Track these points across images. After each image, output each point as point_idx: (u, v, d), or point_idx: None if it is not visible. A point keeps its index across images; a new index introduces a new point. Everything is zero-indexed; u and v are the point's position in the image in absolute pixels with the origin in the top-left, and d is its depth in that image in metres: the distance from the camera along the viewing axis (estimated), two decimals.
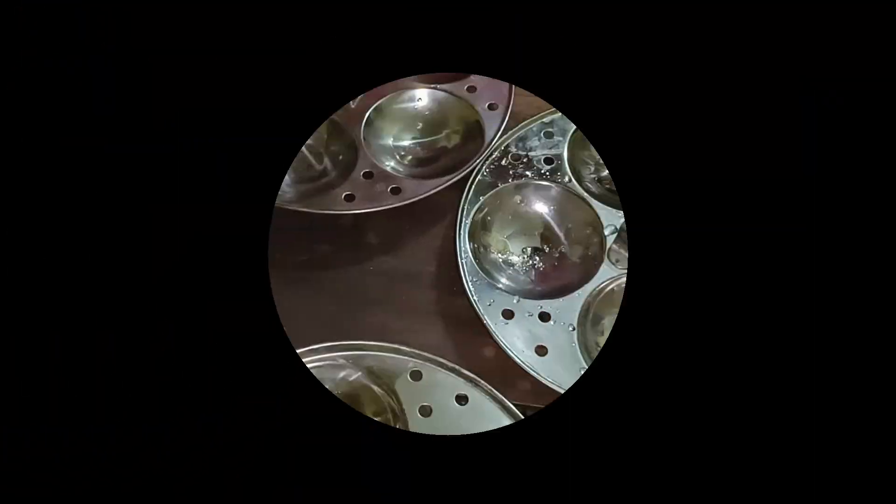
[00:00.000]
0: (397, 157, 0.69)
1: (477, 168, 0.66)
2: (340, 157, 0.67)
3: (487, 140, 0.68)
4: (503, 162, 0.67)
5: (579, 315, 0.60)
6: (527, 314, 0.60)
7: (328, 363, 0.58)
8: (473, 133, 0.69)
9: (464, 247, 0.63)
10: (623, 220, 0.63)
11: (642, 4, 0.44)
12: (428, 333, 0.62)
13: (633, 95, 0.44)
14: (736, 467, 0.40)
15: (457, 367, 0.58)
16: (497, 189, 0.66)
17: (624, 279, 0.61)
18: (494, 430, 0.53)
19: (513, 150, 0.68)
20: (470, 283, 0.61)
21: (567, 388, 0.55)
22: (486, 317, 0.60)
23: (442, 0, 0.46)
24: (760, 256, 0.41)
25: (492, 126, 0.69)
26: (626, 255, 0.62)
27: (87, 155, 0.42)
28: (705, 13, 0.43)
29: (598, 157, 0.68)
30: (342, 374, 0.58)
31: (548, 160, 0.67)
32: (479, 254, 0.63)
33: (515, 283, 0.62)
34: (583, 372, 0.57)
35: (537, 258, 0.64)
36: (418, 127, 0.70)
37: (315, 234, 0.66)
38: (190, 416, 0.41)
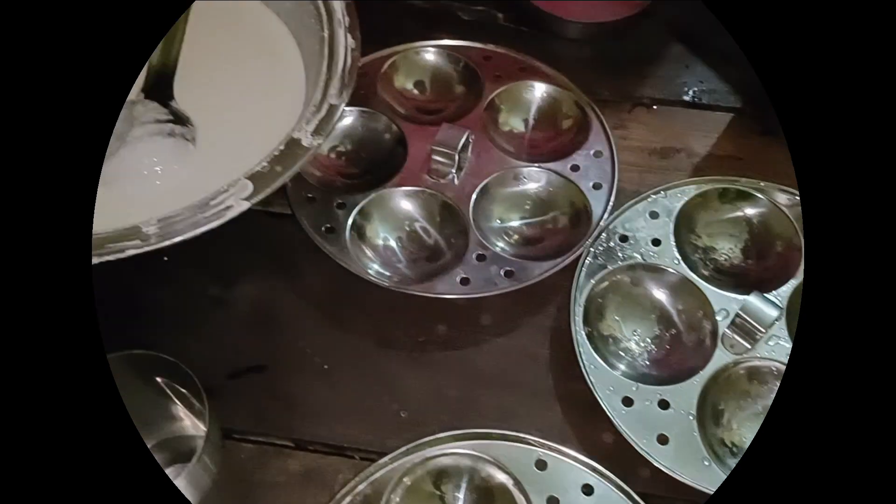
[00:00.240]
0: (505, 237, 0.70)
1: (585, 250, 0.67)
2: (453, 241, 0.69)
3: (594, 221, 0.69)
4: (611, 243, 0.68)
5: (697, 402, 0.61)
6: (646, 401, 0.61)
7: (455, 452, 0.60)
8: (580, 213, 0.70)
9: (579, 331, 0.64)
10: (736, 304, 0.64)
11: None
12: (548, 419, 0.64)
13: None
14: None
15: (580, 455, 0.60)
16: (607, 271, 0.67)
17: (741, 366, 0.62)
18: None
19: (620, 230, 0.69)
20: (587, 368, 0.63)
21: (688, 480, 0.57)
22: (605, 403, 0.61)
23: None
24: None
25: (598, 206, 0.70)
26: (741, 340, 0.63)
27: None
28: None
29: (705, 236, 0.70)
30: (471, 464, 0.59)
31: (655, 241, 0.69)
32: (595, 338, 0.64)
33: (633, 368, 0.64)
34: (707, 464, 0.59)
35: (651, 342, 0.65)
36: (526, 207, 0.72)
37: (433, 315, 0.67)
38: None
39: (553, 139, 0.76)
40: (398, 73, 0.80)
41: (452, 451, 0.60)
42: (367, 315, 0.68)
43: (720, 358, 0.63)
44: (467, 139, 0.71)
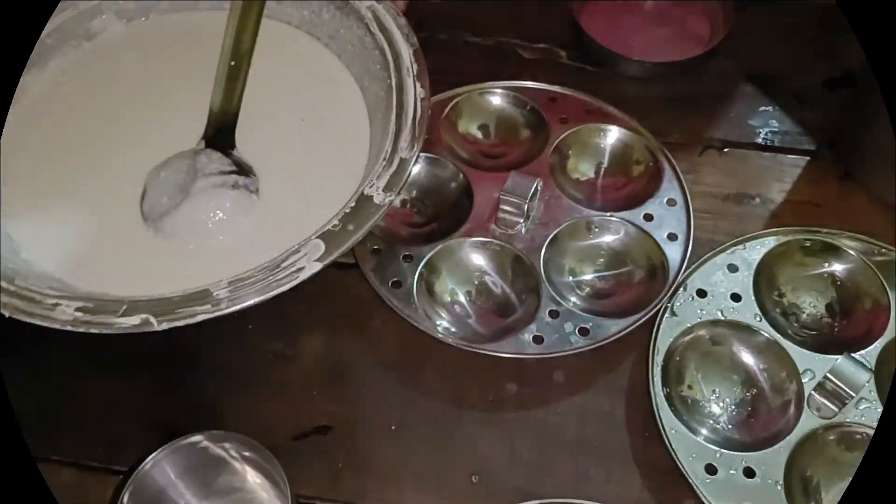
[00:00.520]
0: (578, 291, 0.68)
1: (663, 305, 0.65)
2: (524, 296, 0.67)
3: (671, 274, 0.67)
4: (688, 298, 0.66)
5: (784, 470, 0.58)
6: (730, 470, 0.59)
7: None
8: (656, 267, 0.68)
9: (658, 392, 0.62)
10: (822, 364, 0.61)
11: None
12: (626, 485, 0.61)
13: None
14: None
15: None
16: (685, 328, 0.64)
17: (831, 431, 0.60)
18: None
19: (697, 284, 0.66)
20: (667, 432, 0.60)
21: None
22: (687, 470, 0.59)
23: None
24: None
25: (674, 258, 0.68)
26: (828, 403, 0.60)
27: None
28: None
29: (788, 292, 0.67)
30: None
31: (734, 297, 0.66)
32: (674, 399, 0.62)
33: (715, 433, 0.61)
34: None
35: (732, 403, 0.63)
36: (600, 260, 0.69)
37: (503, 373, 0.65)
38: None
39: (624, 186, 0.74)
40: (461, 116, 0.78)
41: None
42: (435, 372, 0.66)
43: (807, 422, 0.60)
44: (537, 187, 0.69)
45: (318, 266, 0.55)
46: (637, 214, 0.70)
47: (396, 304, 0.65)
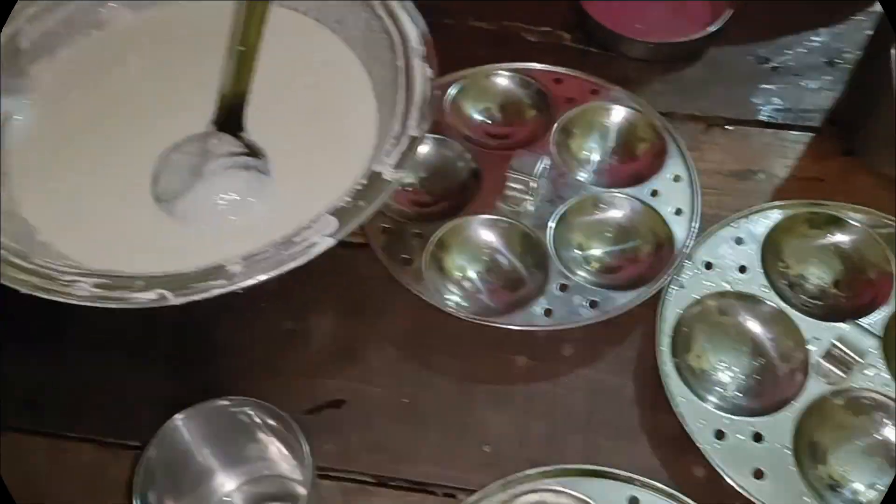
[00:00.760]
0: (586, 266, 0.69)
1: (670, 278, 0.66)
2: (533, 271, 0.67)
3: (677, 248, 0.67)
4: (695, 271, 0.67)
5: (793, 435, 0.59)
6: (738, 435, 0.59)
7: (545, 488, 0.58)
8: (662, 241, 0.68)
9: (666, 362, 0.62)
10: (828, 333, 0.62)
11: None
12: (636, 453, 0.62)
13: None
14: None
15: (673, 492, 0.58)
16: (693, 300, 0.65)
17: (838, 397, 0.60)
18: None
19: (704, 258, 0.67)
20: (676, 400, 0.61)
21: None
22: (697, 436, 0.59)
23: None
24: None
25: (680, 232, 0.68)
26: (836, 370, 0.61)
27: None
28: None
29: (794, 263, 0.68)
30: (561, 501, 0.58)
31: (741, 269, 0.67)
32: (682, 369, 0.62)
33: (724, 400, 0.62)
34: (806, 500, 0.57)
35: (741, 372, 0.63)
36: (607, 235, 0.70)
37: (513, 347, 0.66)
38: None
39: (629, 163, 0.75)
40: (468, 97, 0.79)
41: (542, 487, 0.58)
42: (446, 347, 0.67)
43: (814, 388, 0.61)
44: (544, 165, 0.69)
45: (331, 241, 0.56)
46: (643, 190, 0.71)
47: (406, 280, 0.66)
